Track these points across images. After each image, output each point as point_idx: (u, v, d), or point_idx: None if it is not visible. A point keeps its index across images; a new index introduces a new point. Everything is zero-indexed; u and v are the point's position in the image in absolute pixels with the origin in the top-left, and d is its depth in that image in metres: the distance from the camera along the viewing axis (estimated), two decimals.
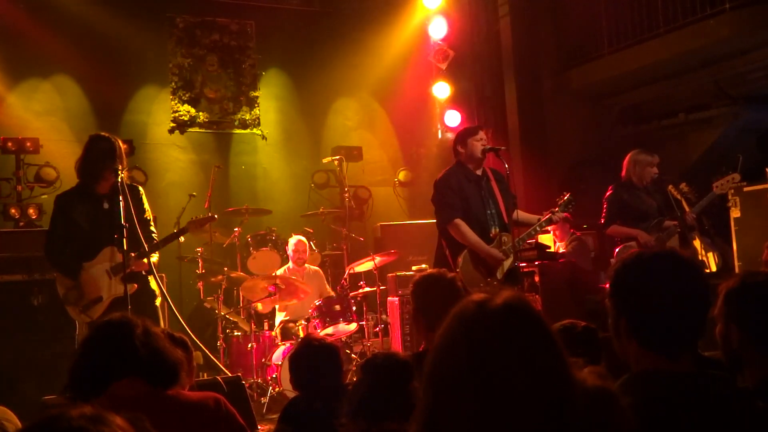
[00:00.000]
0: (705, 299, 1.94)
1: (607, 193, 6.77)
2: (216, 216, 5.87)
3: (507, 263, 5.69)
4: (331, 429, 2.99)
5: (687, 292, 1.92)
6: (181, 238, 6.05)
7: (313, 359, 3.41)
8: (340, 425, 2.48)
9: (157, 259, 5.43)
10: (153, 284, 5.30)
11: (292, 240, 7.94)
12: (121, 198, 4.92)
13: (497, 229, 5.74)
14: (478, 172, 5.86)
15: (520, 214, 5.97)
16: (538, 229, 5.90)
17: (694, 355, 1.96)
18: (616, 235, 6.71)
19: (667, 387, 1.83)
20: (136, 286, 5.03)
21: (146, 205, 5.38)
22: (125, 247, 4.85)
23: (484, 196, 5.81)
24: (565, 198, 5.96)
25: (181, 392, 2.44)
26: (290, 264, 7.91)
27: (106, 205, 5.12)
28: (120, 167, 5.05)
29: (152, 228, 5.36)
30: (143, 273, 5.21)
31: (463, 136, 5.94)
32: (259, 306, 7.38)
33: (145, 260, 5.16)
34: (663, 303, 1.90)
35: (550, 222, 5.95)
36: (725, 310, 2.29)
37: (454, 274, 4.16)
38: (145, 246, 5.09)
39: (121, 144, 5.23)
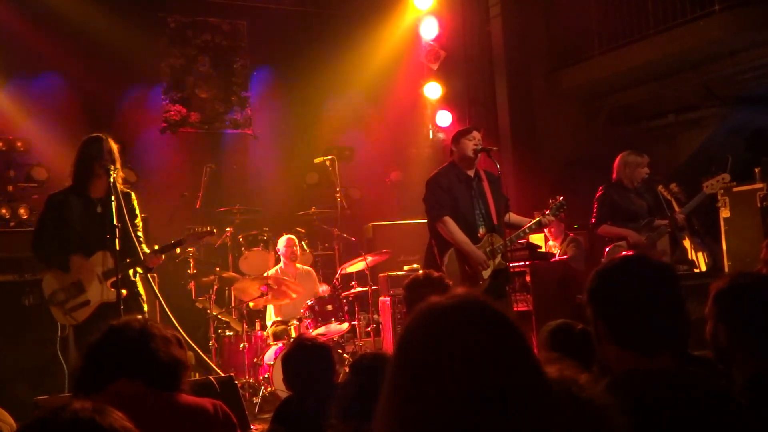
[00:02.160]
0: (676, 298, 2.02)
1: (598, 194, 6.80)
2: (215, 231, 5.88)
3: (495, 262, 5.71)
4: (323, 429, 3.00)
5: (657, 292, 2.00)
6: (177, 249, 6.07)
7: (305, 359, 3.42)
8: (329, 426, 2.49)
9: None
10: (141, 290, 5.29)
11: (282, 239, 7.96)
12: (113, 198, 4.89)
13: (485, 229, 5.77)
14: (470, 173, 5.88)
15: (512, 217, 6.01)
16: (527, 231, 5.93)
17: (679, 353, 2.01)
18: (606, 235, 6.74)
19: (647, 385, 1.88)
20: (125, 291, 5.01)
21: (137, 211, 5.37)
22: (117, 248, 4.84)
23: (474, 196, 5.84)
24: (558, 201, 5.98)
25: (181, 395, 2.44)
26: (281, 264, 7.92)
27: (99, 209, 5.10)
28: (112, 167, 5.03)
29: (140, 233, 5.33)
30: (130, 279, 5.20)
31: (457, 135, 6.00)
32: (251, 303, 7.39)
33: (163, 256, 5.21)
34: (635, 303, 1.99)
35: (539, 225, 5.99)
36: (714, 309, 2.33)
37: (440, 273, 4.18)
38: (139, 250, 5.08)
39: (113, 143, 5.21)
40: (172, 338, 2.50)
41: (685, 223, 6.63)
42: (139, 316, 2.60)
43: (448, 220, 5.66)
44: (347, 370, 2.81)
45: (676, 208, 6.70)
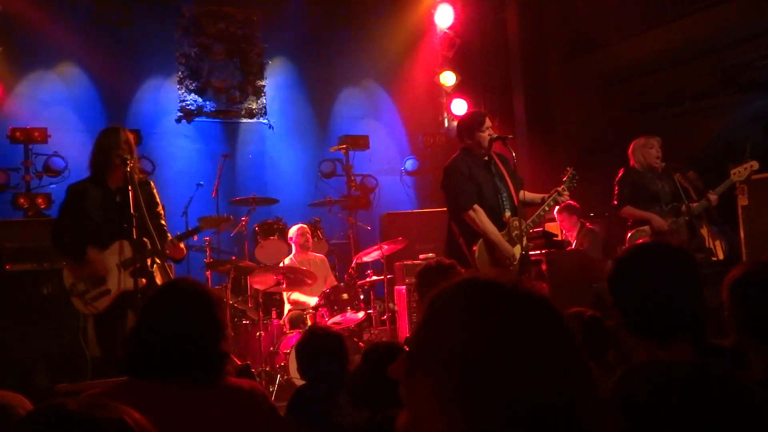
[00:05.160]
0: (694, 287, 1.97)
1: (618, 176, 6.77)
2: (231, 217, 5.91)
3: (522, 247, 5.66)
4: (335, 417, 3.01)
5: (675, 282, 1.96)
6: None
7: (317, 349, 3.43)
8: (340, 414, 2.49)
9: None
10: (159, 280, 5.32)
11: (294, 228, 7.99)
12: (130, 188, 4.93)
13: (510, 213, 5.72)
14: (486, 157, 5.84)
15: (526, 195, 5.94)
16: (546, 209, 5.83)
17: (696, 343, 1.98)
18: (629, 217, 6.67)
19: (662, 377, 1.85)
20: (145, 280, 5.05)
21: (157, 199, 5.40)
22: (134, 237, 4.87)
23: (495, 180, 5.78)
24: (569, 173, 5.90)
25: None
26: (294, 253, 7.94)
27: (118, 199, 5.14)
28: (128, 157, 5.07)
29: (162, 222, 5.38)
30: (149, 269, 5.22)
31: (469, 127, 5.86)
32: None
33: (182, 245, 5.23)
34: (650, 293, 1.95)
35: (556, 201, 5.88)
36: (727, 298, 2.30)
37: (451, 261, 4.16)
38: (156, 240, 5.10)
39: (129, 134, 5.25)
40: (218, 324, 2.47)
41: (717, 203, 6.54)
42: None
43: (479, 209, 5.57)
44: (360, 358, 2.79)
45: (693, 196, 6.65)
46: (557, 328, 1.17)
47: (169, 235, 5.29)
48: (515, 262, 5.59)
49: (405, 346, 1.24)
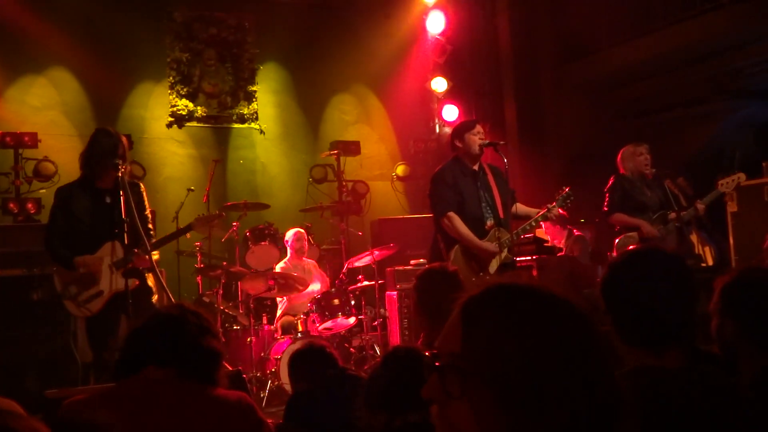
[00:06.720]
0: (687, 295, 1.97)
1: (609, 183, 6.79)
2: (223, 213, 5.88)
3: (501, 257, 5.69)
4: (335, 419, 3.00)
5: (666, 289, 1.95)
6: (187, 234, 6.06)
7: (313, 361, 3.43)
8: (356, 418, 2.48)
9: (158, 256, 5.43)
10: (150, 281, 5.31)
11: (291, 232, 7.97)
12: (121, 193, 4.92)
13: (492, 222, 5.74)
14: (475, 167, 5.86)
15: (519, 208, 5.97)
16: (533, 224, 5.88)
17: (687, 349, 1.98)
18: (619, 224, 6.70)
19: (654, 382, 1.85)
20: (137, 281, 5.05)
21: (146, 203, 5.38)
22: (126, 242, 4.86)
23: (480, 189, 5.80)
24: (564, 192, 5.93)
25: (210, 387, 2.46)
26: (288, 257, 7.93)
27: (107, 200, 5.13)
28: (121, 161, 5.06)
29: (150, 226, 5.35)
30: (141, 270, 5.21)
31: (460, 131, 5.91)
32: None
33: (147, 256, 5.16)
34: (642, 300, 1.94)
35: (545, 218, 5.93)
36: (721, 304, 2.31)
37: (455, 267, 4.17)
38: (146, 242, 5.07)
39: (124, 140, 5.25)
40: (210, 327, 2.52)
41: (705, 213, 6.58)
42: (181, 303, 2.63)
43: (453, 215, 5.63)
44: (378, 362, 2.77)
45: (683, 203, 6.67)
46: (596, 329, 1.19)
47: (147, 242, 5.15)
48: (496, 263, 5.62)
49: (435, 363, 1.15)
